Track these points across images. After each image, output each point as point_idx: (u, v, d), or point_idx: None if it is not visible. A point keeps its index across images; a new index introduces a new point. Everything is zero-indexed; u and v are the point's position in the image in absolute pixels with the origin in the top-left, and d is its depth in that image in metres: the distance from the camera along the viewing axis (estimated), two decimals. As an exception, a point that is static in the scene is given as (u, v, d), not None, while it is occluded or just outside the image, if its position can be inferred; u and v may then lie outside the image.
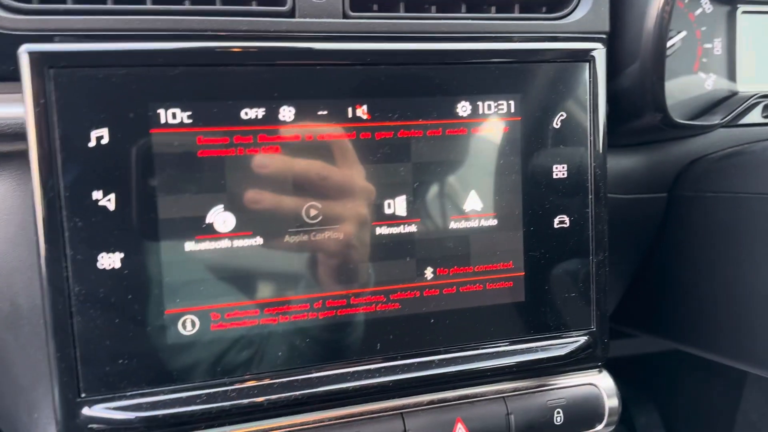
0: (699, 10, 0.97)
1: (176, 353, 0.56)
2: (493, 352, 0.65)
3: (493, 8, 0.76)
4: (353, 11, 0.70)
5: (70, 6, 0.63)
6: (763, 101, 0.96)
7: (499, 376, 0.66)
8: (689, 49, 0.97)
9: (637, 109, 0.83)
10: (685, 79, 0.97)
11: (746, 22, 0.99)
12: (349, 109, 0.60)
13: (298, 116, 0.58)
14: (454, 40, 0.71)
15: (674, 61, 0.96)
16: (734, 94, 0.98)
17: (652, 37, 0.78)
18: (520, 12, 0.77)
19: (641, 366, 1.65)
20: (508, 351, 0.65)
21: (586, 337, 0.68)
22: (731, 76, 0.99)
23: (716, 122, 0.92)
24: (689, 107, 0.97)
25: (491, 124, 0.64)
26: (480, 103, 0.63)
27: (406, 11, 0.74)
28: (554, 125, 0.65)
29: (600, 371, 0.71)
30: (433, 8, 0.75)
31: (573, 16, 0.77)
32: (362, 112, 0.60)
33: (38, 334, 0.71)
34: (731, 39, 0.99)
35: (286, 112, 0.58)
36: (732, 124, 0.95)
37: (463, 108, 0.63)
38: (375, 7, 0.73)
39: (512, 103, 0.64)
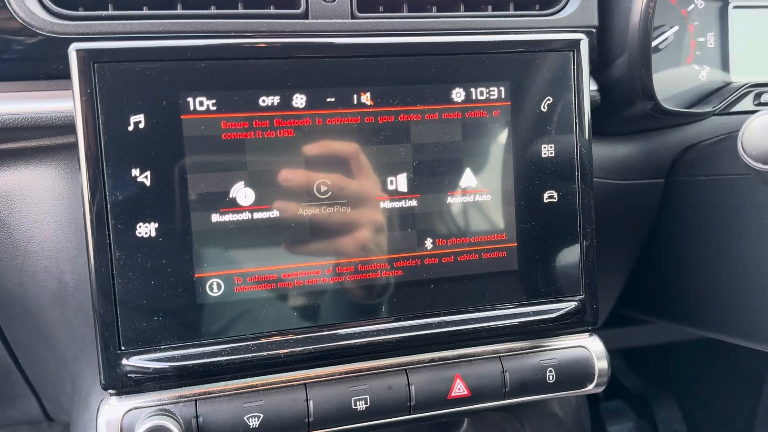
0: (691, 6, 1.03)
1: (204, 312, 0.64)
2: (488, 316, 0.71)
3: (489, 7, 0.84)
4: (360, 12, 0.78)
5: (110, 12, 0.72)
6: (754, 90, 1.01)
7: (494, 337, 0.72)
8: (683, 42, 1.03)
9: (628, 98, 0.90)
10: (679, 71, 1.03)
11: (738, 16, 1.04)
12: (354, 96, 0.67)
13: (309, 103, 0.66)
14: (452, 35, 0.78)
15: (668, 54, 1.02)
16: (728, 84, 1.04)
17: (638, 30, 0.84)
18: (515, 10, 0.84)
19: (660, 358, 1.68)
20: (502, 315, 0.72)
21: (576, 303, 0.74)
22: (725, 67, 1.05)
23: (708, 110, 0.97)
24: (684, 98, 1.03)
25: (483, 108, 0.71)
26: (473, 90, 0.70)
27: (409, 11, 0.81)
28: (542, 109, 0.72)
29: (591, 335, 0.76)
30: (434, 8, 0.82)
31: (563, 12, 0.84)
32: (366, 98, 0.67)
33: (83, 309, 0.80)
34: (724, 32, 1.04)
35: (299, 99, 0.66)
36: (725, 112, 1.00)
37: (458, 94, 0.70)
38: (381, 8, 0.81)
39: (503, 89, 0.71)
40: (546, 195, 0.73)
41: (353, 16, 0.77)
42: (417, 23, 0.80)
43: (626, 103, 0.90)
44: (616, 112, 0.93)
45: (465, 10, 0.83)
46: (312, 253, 0.67)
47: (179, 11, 0.74)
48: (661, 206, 1.03)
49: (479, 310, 0.71)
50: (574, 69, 0.72)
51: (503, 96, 0.71)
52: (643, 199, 1.02)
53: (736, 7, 1.04)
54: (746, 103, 1.01)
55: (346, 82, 0.67)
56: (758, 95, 1.01)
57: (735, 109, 1.01)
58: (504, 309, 0.72)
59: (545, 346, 0.74)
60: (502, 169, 0.72)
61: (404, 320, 0.69)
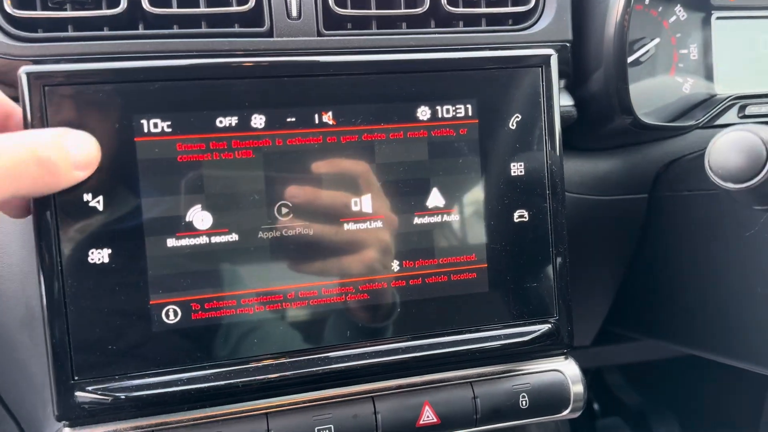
0: (673, 18, 1.01)
1: (160, 340, 0.62)
2: (458, 340, 0.69)
3: (461, 22, 0.82)
4: (327, 29, 0.76)
5: (68, 33, 0.70)
6: (738, 102, 0.99)
7: (464, 362, 0.70)
8: (665, 55, 1.01)
9: (606, 113, 0.88)
10: (662, 84, 1.01)
11: (721, 27, 1.03)
12: (316, 116, 0.65)
13: (269, 123, 0.64)
14: (416, 53, 0.76)
15: (650, 66, 1.00)
16: (712, 96, 1.01)
17: (613, 43, 0.83)
18: (487, 25, 0.82)
19: (659, 374, 1.65)
20: (472, 338, 0.69)
21: (549, 325, 0.71)
22: (708, 79, 1.03)
23: (691, 124, 0.95)
24: (668, 110, 1.01)
25: (450, 126, 0.69)
26: (438, 108, 0.68)
27: (379, 28, 0.80)
28: (510, 126, 0.70)
29: (566, 358, 0.74)
30: (404, 24, 0.81)
31: (536, 27, 0.82)
32: (328, 118, 0.66)
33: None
34: (707, 44, 1.02)
35: (258, 120, 0.64)
36: (709, 125, 0.98)
37: (423, 112, 0.68)
38: (349, 25, 0.79)
39: (469, 107, 0.69)
40: (516, 214, 0.71)
41: (320, 34, 0.76)
42: (386, 40, 0.78)
43: (604, 118, 0.88)
44: (594, 127, 0.91)
45: (436, 26, 0.81)
46: (272, 277, 0.65)
47: (140, 32, 0.72)
48: (646, 222, 1.00)
49: (449, 334, 0.69)
50: (543, 85, 0.70)
51: (470, 114, 0.69)
52: (627, 215, 1.00)
53: (719, 18, 1.03)
54: (731, 116, 0.99)
55: (307, 101, 0.65)
56: (743, 107, 0.99)
57: (719, 121, 0.99)
58: (475, 332, 0.70)
59: (518, 371, 0.72)
60: (470, 189, 0.70)
61: (370, 346, 0.67)
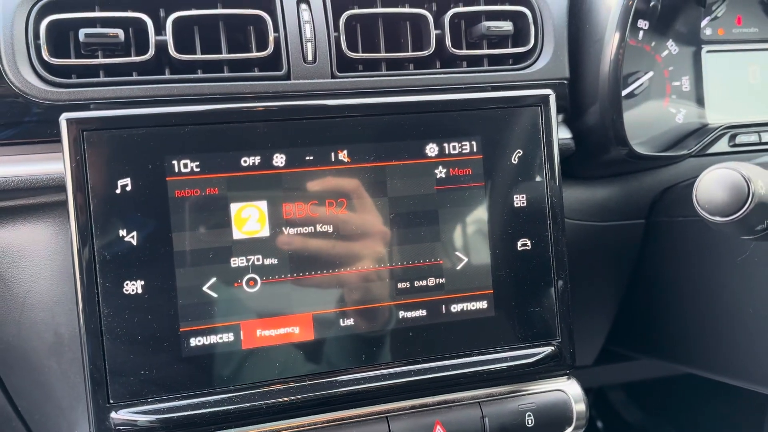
0: (665, 52, 1.06)
1: (189, 365, 0.67)
2: (466, 362, 0.74)
3: (464, 63, 0.87)
4: (340, 72, 0.82)
5: (101, 79, 0.76)
6: (729, 132, 1.04)
7: (473, 383, 0.74)
8: (658, 87, 1.06)
9: (602, 144, 0.93)
10: (656, 115, 1.06)
11: (711, 60, 1.08)
12: (332, 154, 0.71)
13: (289, 161, 0.69)
14: (429, 92, 0.82)
15: (645, 98, 1.05)
16: (704, 125, 1.07)
17: (608, 79, 0.88)
18: (489, 65, 0.88)
19: (662, 391, 1.68)
20: (480, 360, 0.74)
21: (552, 348, 0.76)
22: (701, 109, 1.08)
23: (684, 153, 1.00)
24: (662, 140, 1.06)
25: (456, 162, 0.74)
26: (446, 145, 0.74)
27: (388, 69, 0.85)
28: (513, 161, 0.75)
29: (569, 378, 0.78)
30: (411, 65, 0.86)
31: (535, 66, 0.88)
32: (343, 155, 0.71)
33: (78, 360, 0.82)
34: (698, 76, 1.08)
35: (279, 159, 0.69)
36: (701, 153, 1.03)
37: (431, 149, 0.73)
38: (360, 67, 0.84)
39: (474, 143, 0.74)
40: (520, 243, 0.76)
41: (333, 76, 0.81)
42: (395, 81, 0.83)
43: (601, 149, 0.93)
44: (592, 157, 0.96)
45: (441, 67, 0.86)
46: (293, 306, 0.69)
47: (167, 76, 0.78)
48: (643, 246, 1.05)
49: (458, 357, 0.74)
50: (542, 122, 0.76)
51: (475, 150, 0.74)
52: (625, 240, 1.05)
53: (709, 51, 1.08)
54: (722, 145, 1.04)
55: (324, 140, 0.70)
56: (733, 136, 1.04)
57: (711, 150, 1.04)
58: (482, 355, 0.74)
59: (524, 391, 0.76)
60: (476, 220, 0.74)
61: (384, 368, 0.72)
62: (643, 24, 1.05)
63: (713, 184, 0.57)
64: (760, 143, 1.04)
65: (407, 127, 0.73)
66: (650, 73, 1.04)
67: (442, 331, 0.74)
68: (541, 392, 0.76)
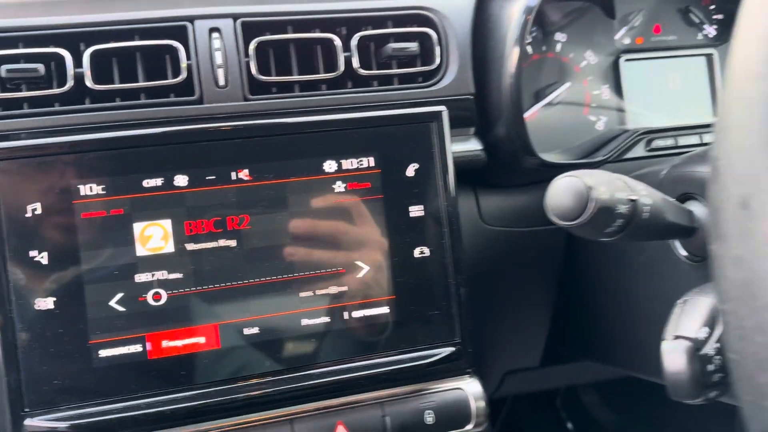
0: (584, 63, 1.11)
1: (99, 374, 0.72)
2: (368, 364, 0.78)
3: (376, 82, 0.92)
4: (252, 95, 0.87)
5: (23, 111, 0.81)
6: (645, 137, 1.08)
7: (375, 384, 0.78)
8: (578, 96, 1.11)
9: (514, 155, 0.97)
10: (577, 123, 1.11)
11: (629, 68, 1.12)
12: (233, 173, 0.76)
13: (191, 182, 0.74)
14: (340, 111, 0.86)
15: (564, 108, 1.10)
16: (624, 132, 1.11)
17: (509, 94, 0.93)
18: (400, 83, 0.93)
19: (635, 391, 1.71)
20: (381, 363, 0.79)
21: (452, 348, 0.80)
22: (620, 116, 1.12)
23: (598, 159, 1.04)
24: (584, 147, 1.10)
25: (355, 177, 0.79)
26: (344, 161, 0.79)
27: (302, 91, 0.90)
28: (409, 174, 0.80)
29: (471, 377, 0.83)
30: (324, 86, 0.91)
31: (442, 83, 0.93)
32: (244, 174, 0.76)
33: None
34: (618, 84, 1.12)
35: (181, 180, 0.74)
36: (618, 159, 1.07)
37: (330, 165, 0.78)
38: (275, 89, 0.89)
39: (372, 159, 0.79)
40: (417, 251, 0.80)
41: (245, 99, 0.86)
42: (307, 101, 0.88)
43: (514, 159, 0.98)
44: (508, 167, 1.00)
45: (353, 87, 0.91)
46: (198, 317, 0.74)
47: (86, 105, 0.83)
48: (567, 249, 1.09)
49: (359, 360, 0.78)
50: (435, 137, 0.80)
51: (372, 165, 0.79)
52: (550, 244, 1.09)
53: (627, 60, 1.12)
54: (638, 150, 1.08)
55: (225, 161, 0.75)
56: (649, 141, 1.08)
57: (629, 155, 1.08)
58: (383, 357, 0.79)
59: (425, 390, 0.80)
60: (375, 230, 0.79)
61: (288, 373, 0.76)
62: (560, 37, 1.10)
63: (560, 192, 0.61)
64: (676, 147, 1.08)
65: (306, 146, 0.78)
66: (567, 84, 1.08)
67: (344, 336, 0.78)
68: (441, 391, 0.80)
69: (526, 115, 1.07)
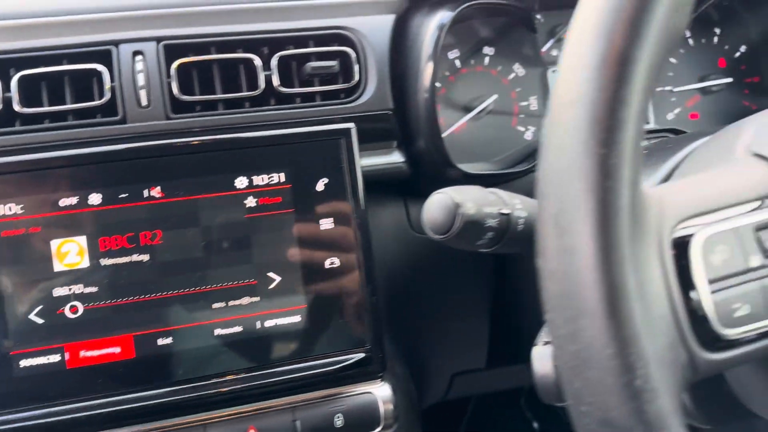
0: (512, 75, 1.15)
1: (20, 384, 0.76)
2: (279, 371, 0.82)
3: (299, 99, 0.96)
4: (175, 114, 0.91)
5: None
6: (569, 147, 1.11)
7: (286, 390, 0.82)
8: (507, 107, 1.14)
9: (435, 168, 1.01)
10: (505, 134, 1.14)
11: (556, 79, 1.16)
12: (145, 191, 0.80)
13: (104, 200, 0.79)
14: (262, 128, 0.90)
15: (493, 120, 1.13)
16: (553, 141, 1.14)
17: (425, 109, 0.96)
18: (322, 100, 0.97)
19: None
20: (292, 369, 0.82)
21: (362, 354, 0.84)
22: (549, 126, 1.16)
23: (522, 169, 1.08)
24: (512, 157, 1.14)
25: (266, 192, 0.83)
26: (254, 177, 0.83)
27: (225, 108, 0.94)
28: (319, 188, 0.84)
29: (382, 382, 0.86)
30: (247, 104, 0.95)
31: (361, 99, 0.97)
32: (156, 192, 0.80)
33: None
34: (546, 95, 1.16)
35: (95, 198, 0.78)
36: (545, 168, 1.11)
37: (241, 182, 0.82)
38: (199, 108, 0.94)
39: (283, 174, 0.83)
40: (328, 262, 0.84)
41: (168, 118, 0.90)
42: (229, 119, 0.92)
43: (438, 171, 1.02)
44: (433, 178, 1.04)
45: (276, 104, 0.95)
46: (114, 329, 0.78)
47: (16, 128, 0.87)
48: (494, 254, 1.12)
49: (271, 367, 0.82)
50: (344, 153, 0.84)
51: (283, 180, 0.83)
52: (475, 252, 1.12)
53: (555, 71, 1.16)
54: (563, 159, 1.12)
55: (137, 179, 0.80)
56: (573, 151, 1.11)
57: (554, 164, 1.11)
58: (295, 364, 0.83)
59: (336, 395, 0.84)
60: (287, 243, 0.83)
61: (201, 381, 0.80)
62: (489, 51, 1.13)
63: (432, 208, 0.65)
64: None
65: (218, 163, 0.82)
66: (494, 96, 1.12)
67: (257, 345, 0.82)
68: (351, 395, 0.84)
69: (455, 126, 1.12)
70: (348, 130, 0.85)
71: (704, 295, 0.51)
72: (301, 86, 0.96)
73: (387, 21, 1.00)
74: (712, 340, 0.51)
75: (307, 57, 0.97)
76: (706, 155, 0.69)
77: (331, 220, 0.84)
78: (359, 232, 0.85)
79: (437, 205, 0.65)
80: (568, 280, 0.49)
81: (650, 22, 0.48)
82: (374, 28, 0.98)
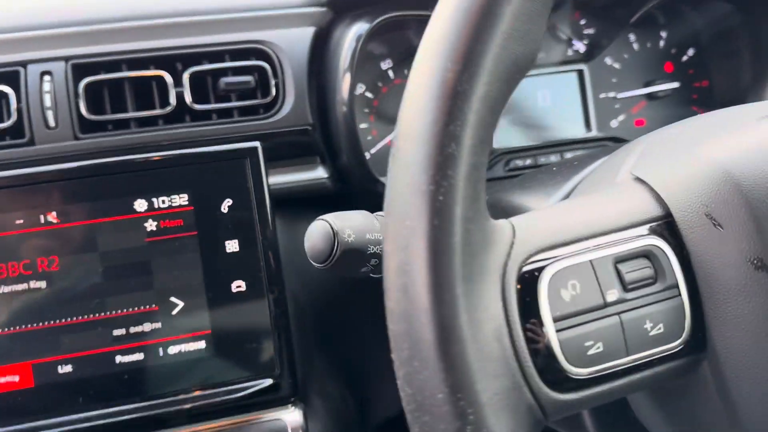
0: (448, 84, 1.11)
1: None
2: (185, 398, 0.80)
3: (215, 115, 0.94)
4: (84, 134, 0.89)
5: None
6: (505, 157, 1.09)
7: (190, 418, 0.80)
8: (442, 118, 1.11)
9: (361, 184, 0.98)
10: (442, 145, 1.11)
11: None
12: (41, 216, 0.78)
13: (0, 226, 0.77)
14: (174, 147, 0.88)
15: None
16: (491, 152, 1.11)
17: (344, 123, 0.94)
18: (240, 116, 0.94)
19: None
20: (198, 396, 0.80)
21: (270, 380, 0.82)
22: (488, 136, 1.13)
23: (456, 181, 1.05)
24: (449, 168, 1.11)
25: (167, 214, 0.80)
26: (155, 199, 0.80)
27: (140, 126, 0.92)
28: (223, 210, 0.82)
29: (295, 407, 0.84)
30: (161, 122, 0.93)
31: (279, 115, 0.94)
32: (52, 217, 0.78)
33: None
34: (484, 105, 1.13)
35: (-10, 225, 0.77)
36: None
37: (140, 204, 0.80)
38: (110, 127, 0.91)
39: (185, 196, 0.81)
40: (234, 285, 0.82)
41: (76, 138, 0.88)
42: (142, 138, 0.90)
43: (362, 188, 0.99)
44: (363, 193, 1.01)
45: (192, 121, 0.93)
46: (12, 356, 0.77)
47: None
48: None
49: (176, 395, 0.80)
50: (250, 173, 0.82)
51: (185, 202, 0.81)
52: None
53: (492, 80, 1.13)
54: (498, 170, 1.09)
55: (33, 205, 0.78)
56: (508, 162, 1.09)
57: (489, 176, 1.08)
58: (199, 391, 0.81)
59: (245, 422, 0.82)
60: (190, 266, 0.81)
61: (101, 409, 0.78)
62: (422, 60, 1.10)
63: (312, 235, 0.63)
64: (536, 165, 1.09)
65: (116, 186, 0.80)
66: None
67: (160, 372, 0.80)
68: (260, 422, 0.82)
69: (388, 139, 1.09)
70: (254, 149, 0.82)
71: (550, 333, 0.48)
72: (217, 102, 0.94)
73: (307, 34, 0.97)
74: (560, 380, 0.48)
75: (225, 72, 0.94)
76: (594, 178, 0.66)
77: (236, 242, 0.82)
78: (267, 253, 0.82)
79: (316, 232, 0.63)
80: (405, 321, 0.46)
81: (483, 54, 0.45)
82: (293, 41, 0.96)
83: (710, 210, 0.51)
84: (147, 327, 0.80)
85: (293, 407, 0.84)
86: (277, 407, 0.83)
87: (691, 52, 1.20)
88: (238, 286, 0.82)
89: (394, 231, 0.47)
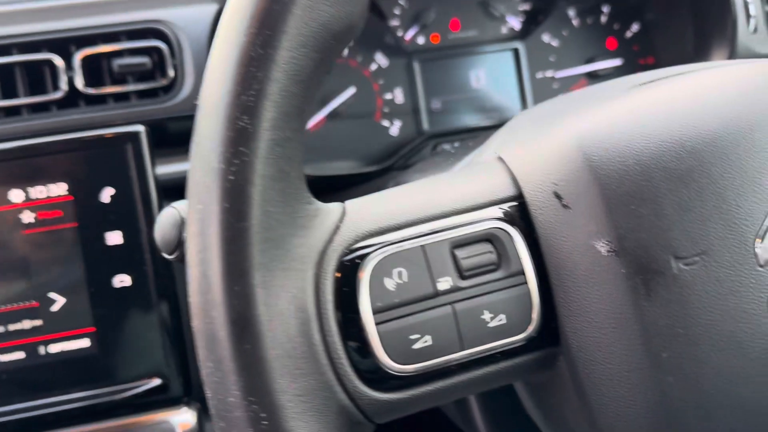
0: (374, 66, 1.06)
1: None
2: (69, 399, 0.75)
3: (111, 99, 0.89)
4: (-30, 122, 0.84)
5: None
6: (432, 141, 1.03)
7: (73, 420, 0.76)
8: (368, 102, 1.06)
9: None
10: (368, 130, 1.06)
11: (425, 70, 1.07)
12: None
13: None
14: (66, 132, 0.83)
15: (353, 115, 1.05)
16: (420, 135, 1.06)
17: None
18: (138, 99, 0.89)
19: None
20: (80, 397, 0.76)
21: (158, 380, 0.77)
22: (417, 121, 1.07)
23: (384, 167, 1.00)
24: (376, 155, 1.06)
25: (45, 205, 0.76)
26: (31, 189, 0.76)
27: (32, 113, 0.87)
28: (104, 200, 0.77)
29: (188, 408, 0.79)
30: (54, 108, 0.88)
31: (178, 98, 0.89)
32: None
33: None
34: (412, 87, 1.07)
35: None
36: (407, 165, 1.03)
37: (16, 195, 0.75)
38: (1, 113, 0.87)
39: (64, 185, 0.76)
40: (117, 280, 0.77)
41: (-49, 128, 0.83)
42: (34, 125, 0.85)
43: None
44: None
45: (87, 105, 0.88)
46: None
47: None
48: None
49: (59, 395, 0.75)
50: (132, 160, 0.77)
51: (64, 192, 0.76)
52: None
53: (422, 61, 1.08)
54: (425, 154, 1.04)
55: None
56: (435, 146, 1.03)
57: (416, 160, 1.03)
58: (82, 392, 0.76)
59: (130, 425, 0.77)
60: (70, 260, 0.76)
61: (-21, 411, 0.74)
62: (346, 39, 1.05)
63: (161, 224, 0.57)
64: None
65: (-12, 176, 0.75)
66: (352, 89, 1.04)
67: (43, 371, 0.75)
68: (147, 424, 0.77)
69: (310, 124, 1.04)
70: (136, 134, 0.77)
71: (369, 326, 0.43)
72: (112, 86, 0.89)
73: (208, 12, 0.92)
74: (381, 378, 0.43)
75: (121, 55, 0.89)
76: (470, 160, 0.61)
77: (119, 234, 0.77)
78: (152, 246, 0.78)
79: (164, 220, 0.57)
80: (201, 316, 0.41)
81: (281, 15, 0.40)
82: (193, 21, 0.91)
83: (558, 188, 0.46)
84: (27, 324, 0.76)
85: (186, 407, 0.79)
86: (168, 408, 0.79)
87: (635, 27, 1.14)
88: (122, 280, 0.77)
89: (191, 216, 0.43)
